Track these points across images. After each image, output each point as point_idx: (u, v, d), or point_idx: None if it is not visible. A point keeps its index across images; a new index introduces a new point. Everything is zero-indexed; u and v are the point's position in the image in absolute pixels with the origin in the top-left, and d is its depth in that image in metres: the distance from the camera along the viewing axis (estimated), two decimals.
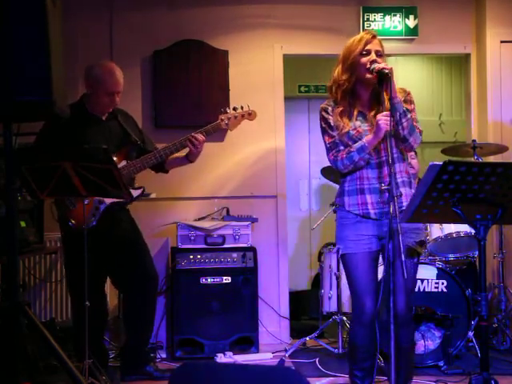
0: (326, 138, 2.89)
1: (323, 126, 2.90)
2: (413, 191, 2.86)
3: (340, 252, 2.89)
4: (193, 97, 4.69)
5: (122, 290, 3.77)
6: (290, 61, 5.00)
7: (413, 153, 4.18)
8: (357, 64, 2.80)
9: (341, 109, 2.85)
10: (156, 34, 4.72)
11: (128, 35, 4.69)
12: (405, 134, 2.77)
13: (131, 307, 3.71)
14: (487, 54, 4.78)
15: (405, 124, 2.75)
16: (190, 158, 3.67)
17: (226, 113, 3.65)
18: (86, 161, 2.93)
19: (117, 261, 3.65)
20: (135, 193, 3.57)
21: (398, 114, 2.71)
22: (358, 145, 2.78)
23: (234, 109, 3.66)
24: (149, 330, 3.78)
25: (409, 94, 2.92)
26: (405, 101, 2.85)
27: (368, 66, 2.76)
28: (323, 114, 2.90)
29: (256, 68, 4.82)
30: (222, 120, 3.63)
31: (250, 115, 3.69)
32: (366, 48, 2.80)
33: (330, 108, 2.89)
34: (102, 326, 3.75)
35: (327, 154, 2.90)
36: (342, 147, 2.83)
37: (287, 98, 5.10)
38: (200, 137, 3.56)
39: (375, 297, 2.82)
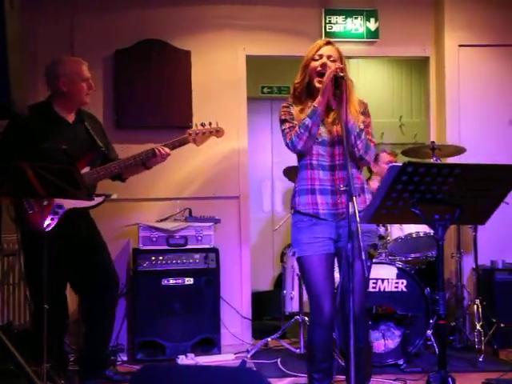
0: (285, 125, 2.91)
1: (283, 117, 2.93)
2: (366, 196, 2.92)
3: (296, 255, 2.92)
4: (155, 97, 4.65)
5: (81, 293, 3.71)
6: (252, 62, 5.01)
7: None
8: (309, 68, 2.90)
9: (300, 107, 2.92)
10: (118, 33, 4.67)
11: (89, 35, 4.64)
12: (361, 154, 2.84)
13: (90, 310, 3.66)
14: (446, 58, 4.87)
15: (360, 145, 2.82)
16: (148, 166, 3.64)
17: (194, 128, 3.65)
18: (45, 162, 2.88)
19: (76, 264, 3.59)
20: (95, 200, 3.50)
21: (352, 137, 2.76)
22: (308, 111, 2.83)
23: (202, 125, 3.66)
24: (108, 334, 3.74)
25: (366, 106, 2.98)
26: (362, 113, 2.92)
27: (318, 69, 2.85)
28: (284, 109, 2.95)
29: (219, 69, 4.81)
30: (189, 135, 3.65)
31: (218, 132, 3.71)
32: (319, 53, 2.89)
33: (291, 105, 2.95)
34: (62, 329, 3.68)
35: (284, 139, 2.91)
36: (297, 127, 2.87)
37: (250, 99, 5.10)
38: (167, 150, 3.55)
39: (333, 298, 2.85)
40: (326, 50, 2.90)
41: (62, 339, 3.71)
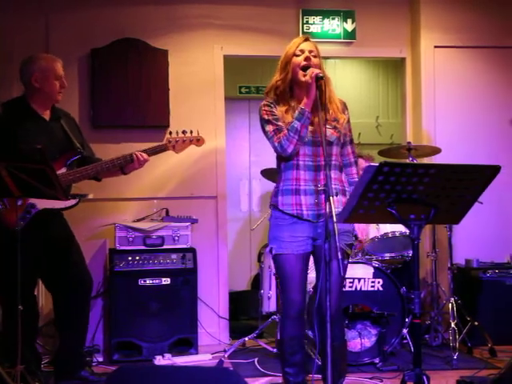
0: (270, 127, 2.88)
1: (266, 118, 2.89)
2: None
3: (273, 252, 2.93)
4: (131, 96, 4.62)
5: (54, 293, 3.67)
6: (230, 61, 5.00)
7: None
8: (291, 63, 2.87)
9: (285, 107, 2.89)
10: (94, 32, 4.63)
11: (65, 34, 4.59)
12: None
13: (64, 311, 3.62)
14: (421, 59, 4.92)
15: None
16: (125, 171, 3.62)
17: (174, 135, 3.63)
18: (19, 161, 2.85)
19: (49, 264, 3.55)
20: (68, 202, 3.46)
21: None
22: (295, 113, 2.81)
23: (183, 132, 3.64)
24: (83, 334, 3.70)
25: (345, 103, 3.01)
26: (342, 111, 2.95)
27: (302, 63, 2.83)
28: (266, 108, 2.91)
29: (196, 68, 4.80)
30: (169, 142, 3.62)
31: (199, 141, 3.69)
32: (300, 48, 2.88)
33: (273, 104, 2.91)
34: (34, 329, 3.64)
35: (272, 142, 2.87)
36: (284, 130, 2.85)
37: (228, 99, 5.10)
38: (145, 156, 3.53)
39: (304, 293, 2.91)
40: (307, 46, 2.90)
41: (34, 340, 3.67)
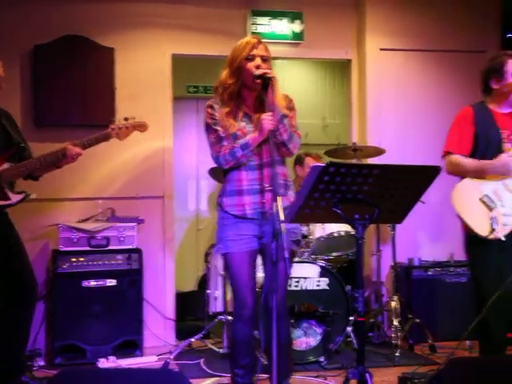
0: (211, 133, 2.93)
1: (208, 122, 2.93)
2: (289, 193, 2.95)
3: (221, 251, 2.95)
4: (76, 95, 4.53)
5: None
6: (178, 61, 4.97)
7: None
8: (242, 69, 2.87)
9: (227, 110, 2.91)
10: (37, 28, 4.53)
11: (6, 29, 4.45)
12: (284, 139, 2.86)
13: (5, 314, 3.51)
14: (367, 61, 5.00)
15: (282, 129, 2.84)
16: (58, 165, 3.55)
17: (117, 122, 3.57)
18: None
19: None
20: (15, 198, 3.38)
21: (275, 119, 2.77)
22: (242, 141, 2.84)
23: (126, 119, 3.59)
24: (24, 338, 3.60)
25: (291, 101, 3.01)
26: (287, 107, 2.94)
27: (253, 71, 2.83)
28: (209, 110, 2.93)
29: (144, 67, 4.75)
30: (112, 129, 3.56)
31: (142, 126, 3.64)
32: (252, 53, 2.87)
33: (216, 106, 2.93)
34: None
35: (210, 150, 2.93)
36: (225, 142, 2.88)
37: (176, 98, 5.06)
38: (77, 150, 3.45)
39: (255, 293, 2.92)
40: (259, 50, 2.88)
41: None
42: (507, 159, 3.09)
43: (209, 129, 2.93)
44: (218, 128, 2.89)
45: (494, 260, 3.08)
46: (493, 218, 3.02)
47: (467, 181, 3.16)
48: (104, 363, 3.96)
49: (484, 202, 3.08)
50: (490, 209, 3.06)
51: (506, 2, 5.09)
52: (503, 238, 3.02)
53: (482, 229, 3.05)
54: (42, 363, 4.11)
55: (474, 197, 3.11)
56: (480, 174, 3.13)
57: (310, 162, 4.94)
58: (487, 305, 2.91)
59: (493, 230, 3.01)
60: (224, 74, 2.94)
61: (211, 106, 2.93)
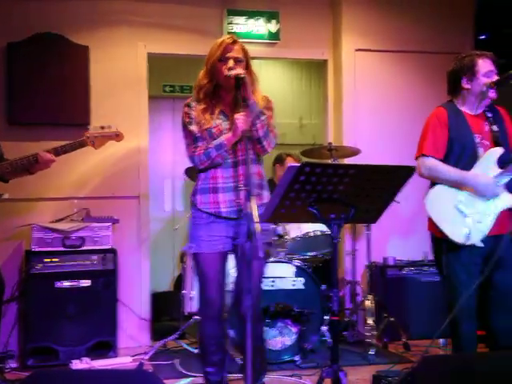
0: (187, 133, 2.93)
1: (185, 121, 2.93)
2: (265, 193, 2.95)
3: (192, 251, 2.94)
4: (50, 93, 4.48)
5: None
6: (155, 60, 4.94)
7: None
8: (216, 70, 2.88)
9: (203, 106, 2.91)
10: (10, 25, 4.47)
11: None
12: (259, 136, 2.85)
13: None
14: (343, 61, 5.03)
15: (259, 125, 2.83)
16: (31, 171, 3.51)
17: (93, 130, 3.54)
18: None
19: None
20: None
21: (252, 115, 2.78)
22: (216, 141, 2.84)
23: (102, 127, 3.56)
24: None
25: (270, 101, 3.02)
26: (265, 108, 2.94)
27: (225, 73, 2.83)
28: (186, 109, 2.94)
29: (119, 65, 4.71)
30: (87, 138, 3.53)
31: (118, 136, 3.62)
32: (225, 55, 2.86)
33: (193, 103, 2.94)
34: None
35: (186, 149, 2.93)
36: (200, 143, 2.88)
37: (152, 98, 5.03)
38: (49, 156, 3.41)
39: (223, 294, 2.92)
40: (233, 52, 2.87)
41: None
42: (490, 181, 3.05)
43: (185, 128, 2.93)
44: (194, 128, 2.89)
45: (466, 263, 3.09)
46: (467, 225, 3.04)
47: (441, 187, 3.13)
48: (77, 365, 3.92)
49: (458, 209, 3.07)
50: (465, 215, 3.06)
51: (478, 5, 5.16)
52: (480, 245, 3.02)
53: (457, 236, 3.04)
54: (14, 365, 4.06)
55: (449, 203, 3.08)
56: (458, 186, 3.10)
57: (290, 162, 4.96)
58: (456, 306, 2.94)
59: (468, 237, 3.02)
60: (201, 73, 2.95)
61: (188, 105, 2.94)
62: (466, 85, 3.18)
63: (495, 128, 3.12)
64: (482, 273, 3.02)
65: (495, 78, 3.12)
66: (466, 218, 3.05)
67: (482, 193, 3.05)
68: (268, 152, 2.96)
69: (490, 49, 3.24)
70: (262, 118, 2.84)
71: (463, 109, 3.20)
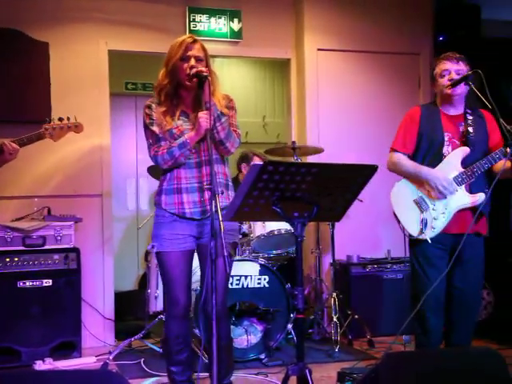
0: (149, 133, 2.92)
1: (146, 122, 2.92)
2: (230, 193, 2.96)
3: (155, 250, 2.93)
4: (9, 90, 4.40)
5: None
6: (116, 57, 4.89)
7: None
8: (177, 69, 2.86)
9: (164, 109, 2.90)
10: None
11: None
12: (221, 138, 2.86)
13: None
14: (305, 61, 5.06)
15: (219, 128, 2.83)
16: None
17: (51, 122, 3.48)
18: None
19: None
20: None
21: (212, 117, 2.76)
22: (179, 141, 2.84)
23: (60, 119, 3.51)
24: None
25: (231, 100, 3.02)
26: (226, 107, 2.94)
27: (187, 72, 2.82)
28: (146, 110, 2.93)
29: (80, 62, 4.65)
30: (45, 129, 3.47)
31: (77, 127, 3.56)
32: (186, 54, 2.85)
33: (153, 105, 2.93)
34: None
35: (148, 150, 2.93)
36: (163, 143, 2.87)
37: (114, 95, 4.99)
38: (14, 146, 3.35)
39: (189, 292, 2.93)
40: (194, 51, 2.86)
41: None
42: (444, 178, 3.12)
43: (147, 129, 2.92)
44: (155, 128, 2.88)
45: (430, 256, 3.17)
46: (423, 220, 3.14)
47: (405, 182, 3.26)
48: (40, 365, 3.87)
49: (417, 203, 3.19)
50: (422, 210, 3.17)
51: (437, 6, 5.26)
52: (429, 241, 3.12)
53: (412, 229, 3.17)
54: None
55: (409, 197, 3.21)
56: (415, 179, 3.22)
57: (256, 161, 4.97)
58: (422, 300, 3.00)
59: (421, 231, 3.12)
60: (161, 73, 2.93)
61: (149, 106, 2.93)
62: (434, 88, 3.34)
63: (470, 129, 3.20)
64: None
65: (449, 75, 3.20)
66: (423, 213, 3.15)
67: (433, 188, 3.13)
68: (232, 152, 2.97)
69: (448, 50, 3.34)
70: (223, 120, 2.84)
71: (441, 108, 3.29)
